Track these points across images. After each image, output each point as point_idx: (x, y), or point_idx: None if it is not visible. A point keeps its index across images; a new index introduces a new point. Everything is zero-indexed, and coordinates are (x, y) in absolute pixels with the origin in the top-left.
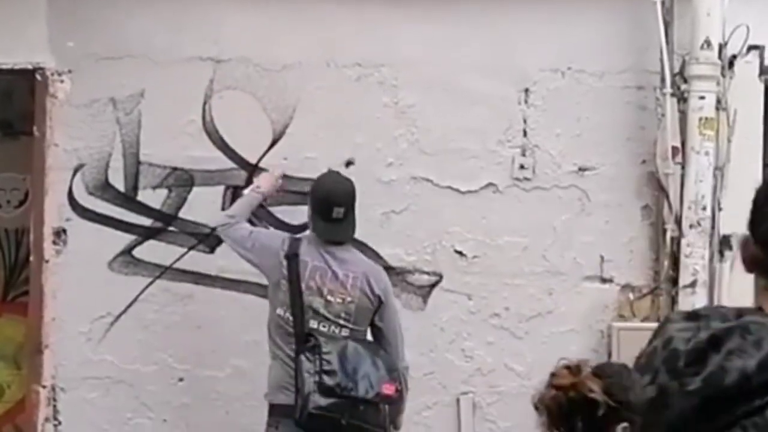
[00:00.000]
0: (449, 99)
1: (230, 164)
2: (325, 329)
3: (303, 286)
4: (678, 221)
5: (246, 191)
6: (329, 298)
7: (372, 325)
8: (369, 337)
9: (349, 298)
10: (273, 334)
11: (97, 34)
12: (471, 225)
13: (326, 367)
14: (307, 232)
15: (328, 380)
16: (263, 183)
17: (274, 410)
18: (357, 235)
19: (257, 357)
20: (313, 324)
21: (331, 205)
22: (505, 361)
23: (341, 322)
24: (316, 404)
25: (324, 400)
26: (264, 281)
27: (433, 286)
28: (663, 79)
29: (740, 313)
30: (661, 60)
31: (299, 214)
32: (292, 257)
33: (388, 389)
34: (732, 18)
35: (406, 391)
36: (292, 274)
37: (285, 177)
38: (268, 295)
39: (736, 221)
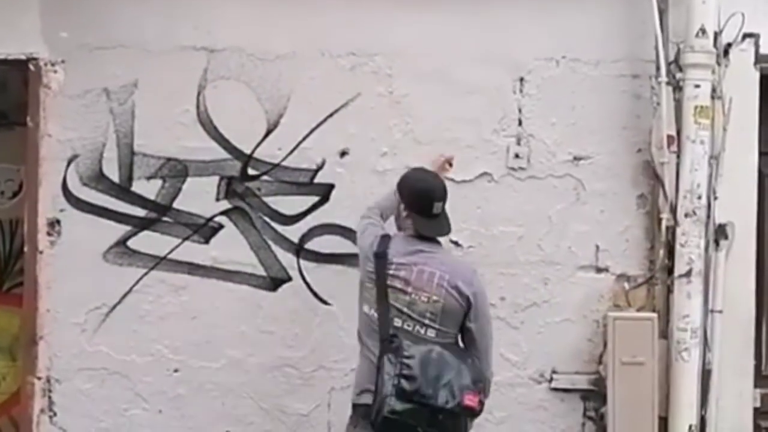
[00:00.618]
0: (444, 88)
1: (224, 154)
2: (409, 328)
3: (388, 284)
4: (673, 210)
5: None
6: (414, 296)
7: (462, 328)
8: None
9: (435, 297)
10: (362, 333)
11: (90, 24)
12: (466, 214)
13: (406, 372)
14: (395, 231)
15: (407, 385)
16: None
17: (357, 410)
18: (350, 224)
19: (252, 348)
20: (397, 323)
21: (432, 201)
22: (501, 350)
23: (426, 321)
24: (392, 408)
25: (400, 405)
26: (258, 272)
27: None
28: (658, 68)
29: None
30: (656, 48)
31: (294, 204)
32: (380, 255)
33: (471, 400)
34: (727, 6)
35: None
36: (378, 272)
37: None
38: (358, 294)
39: (731, 210)
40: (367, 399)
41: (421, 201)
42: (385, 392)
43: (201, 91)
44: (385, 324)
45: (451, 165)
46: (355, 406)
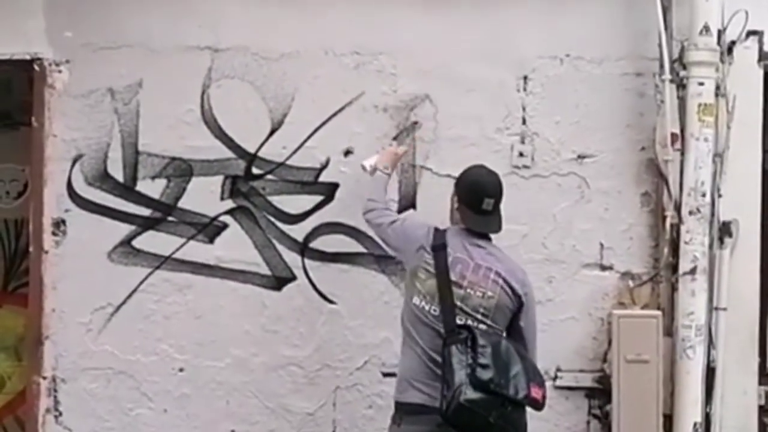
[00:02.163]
0: (448, 87)
1: (229, 153)
2: (461, 322)
3: (449, 276)
4: (677, 208)
5: (373, 175)
6: (469, 290)
7: (510, 326)
8: None
9: (489, 293)
10: (408, 325)
11: (94, 24)
12: None
13: (481, 360)
14: (449, 225)
15: (483, 374)
16: (386, 160)
17: (401, 408)
18: (355, 223)
19: (257, 347)
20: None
21: (482, 196)
22: None
23: (479, 316)
24: (468, 397)
25: (475, 394)
26: (262, 271)
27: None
28: (662, 66)
29: None
30: (660, 46)
31: (298, 203)
32: (440, 248)
33: (537, 393)
34: (731, 3)
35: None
36: (438, 265)
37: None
38: (405, 284)
39: (735, 208)
40: (414, 396)
41: (472, 195)
42: (458, 381)
43: (205, 90)
44: (447, 317)
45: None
46: (398, 404)
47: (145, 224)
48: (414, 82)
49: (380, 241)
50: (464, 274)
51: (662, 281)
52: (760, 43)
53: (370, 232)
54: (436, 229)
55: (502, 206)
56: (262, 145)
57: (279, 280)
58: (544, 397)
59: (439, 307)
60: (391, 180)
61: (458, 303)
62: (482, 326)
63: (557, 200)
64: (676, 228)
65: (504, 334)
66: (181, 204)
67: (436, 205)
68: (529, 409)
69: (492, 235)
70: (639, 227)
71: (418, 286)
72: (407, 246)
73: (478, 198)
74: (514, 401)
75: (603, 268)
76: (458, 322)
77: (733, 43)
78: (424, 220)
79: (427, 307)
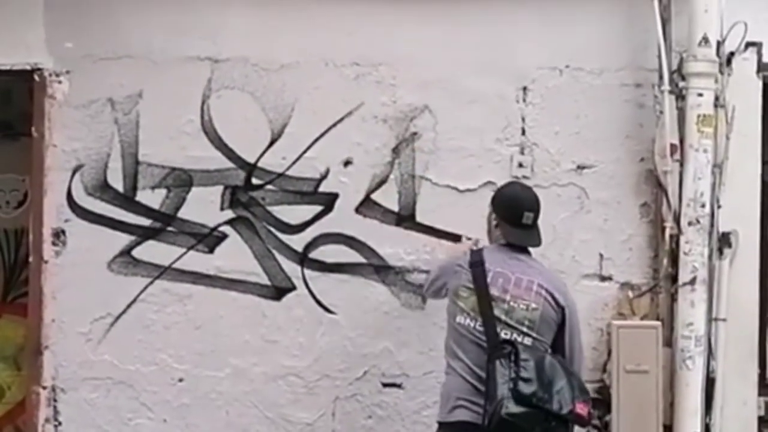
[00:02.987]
0: (447, 97)
1: (229, 164)
2: (507, 336)
3: (488, 291)
4: (677, 219)
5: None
6: (512, 304)
7: (555, 341)
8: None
9: (533, 305)
10: (453, 345)
11: (95, 34)
12: (470, 223)
13: (523, 374)
14: (487, 244)
15: (525, 388)
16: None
17: (448, 427)
18: (354, 233)
19: (256, 357)
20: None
21: (522, 210)
22: None
23: (524, 329)
24: (509, 410)
25: (517, 408)
26: (262, 281)
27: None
28: (661, 77)
29: None
30: (659, 57)
31: (298, 213)
32: (477, 265)
33: (582, 409)
34: (730, 15)
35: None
36: (478, 281)
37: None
38: (447, 307)
39: (734, 218)
40: (460, 414)
41: (511, 210)
42: (500, 395)
43: (205, 100)
44: (493, 334)
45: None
46: (443, 424)
47: (145, 234)
48: (413, 93)
49: (434, 294)
50: (506, 287)
51: (662, 292)
52: (759, 54)
53: (370, 242)
54: (473, 250)
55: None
56: (261, 155)
57: (279, 290)
58: (590, 414)
59: (481, 321)
60: None
61: (503, 317)
62: (528, 339)
63: (557, 211)
64: (675, 239)
65: (549, 349)
66: (180, 214)
67: (436, 216)
68: None
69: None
70: (638, 238)
71: (460, 304)
72: (447, 272)
73: (517, 213)
74: (558, 416)
75: (602, 278)
76: (503, 336)
77: (732, 54)
78: (456, 254)
79: (471, 324)
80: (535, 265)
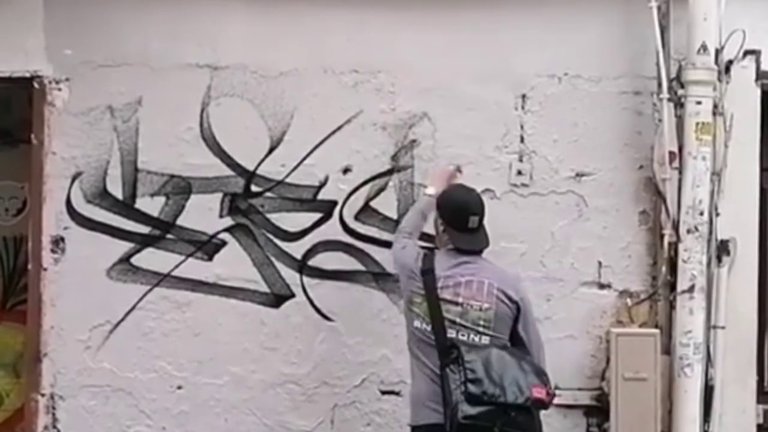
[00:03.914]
0: (446, 105)
1: (228, 171)
2: (464, 338)
3: (439, 296)
4: (675, 226)
5: (429, 193)
6: (466, 306)
7: (512, 334)
8: None
9: (486, 305)
10: (414, 349)
11: (94, 42)
12: None
13: (470, 376)
14: (434, 254)
15: (474, 389)
16: (436, 181)
17: (417, 430)
18: (353, 241)
19: (255, 364)
20: (451, 334)
21: (467, 215)
22: None
23: (480, 329)
24: (465, 413)
25: (472, 409)
26: (261, 288)
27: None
28: (660, 85)
29: None
30: (658, 65)
31: (297, 220)
32: (427, 272)
33: (539, 392)
34: (728, 23)
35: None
36: (428, 287)
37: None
38: (404, 311)
39: (733, 226)
40: (428, 416)
41: (457, 215)
42: (455, 400)
43: (204, 108)
44: (440, 337)
45: (460, 172)
46: (414, 428)
47: (144, 242)
48: (412, 100)
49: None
50: (458, 291)
51: (660, 299)
52: (758, 62)
53: (369, 250)
54: (425, 254)
55: (505, 225)
56: (260, 162)
57: (277, 298)
58: (549, 394)
59: (431, 327)
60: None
61: (457, 319)
62: (485, 338)
63: (555, 218)
64: (674, 246)
65: (508, 344)
66: (179, 221)
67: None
68: None
69: (496, 251)
70: (637, 245)
71: (415, 310)
72: (402, 273)
73: (463, 218)
74: (517, 406)
75: (601, 286)
76: (459, 337)
77: (730, 62)
78: (416, 249)
79: (428, 328)
80: (485, 266)
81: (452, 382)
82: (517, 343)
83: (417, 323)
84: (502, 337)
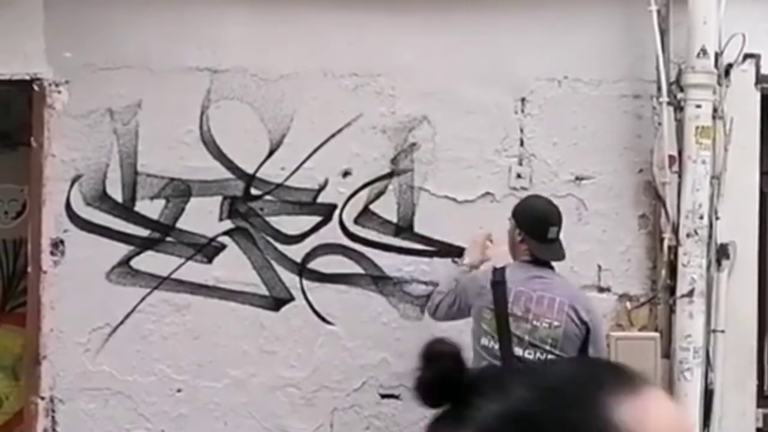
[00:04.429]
0: (446, 108)
1: (228, 174)
2: (530, 356)
3: (509, 311)
4: (675, 230)
5: (463, 264)
6: (535, 323)
7: (580, 354)
8: None
9: (556, 323)
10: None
11: (94, 44)
12: (468, 235)
13: None
14: (510, 261)
15: None
16: (472, 252)
17: None
18: (353, 244)
19: (254, 368)
20: (518, 351)
21: (548, 225)
22: None
23: (547, 347)
24: None
25: None
26: (261, 291)
27: (430, 296)
28: (659, 88)
29: None
30: (657, 69)
31: (296, 224)
32: (498, 284)
33: None
34: (728, 26)
35: None
36: (498, 300)
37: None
38: (471, 330)
39: (733, 230)
40: None
41: (537, 224)
42: None
43: (204, 111)
44: (506, 353)
45: (491, 241)
46: None
47: (144, 244)
48: (412, 103)
49: (454, 314)
50: (529, 306)
51: (660, 303)
52: (758, 65)
53: (369, 253)
54: (495, 269)
55: (505, 228)
56: (260, 165)
57: (277, 301)
58: None
59: (498, 342)
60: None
61: (525, 336)
62: (551, 357)
63: None
64: (673, 250)
65: None
66: (179, 224)
67: (434, 227)
68: None
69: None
70: (637, 249)
71: (484, 326)
72: (471, 293)
73: (543, 227)
74: None
75: (600, 289)
76: (525, 355)
77: (730, 65)
78: (477, 273)
79: (496, 346)
80: (558, 281)
81: None
82: None
83: (484, 341)
84: (568, 356)
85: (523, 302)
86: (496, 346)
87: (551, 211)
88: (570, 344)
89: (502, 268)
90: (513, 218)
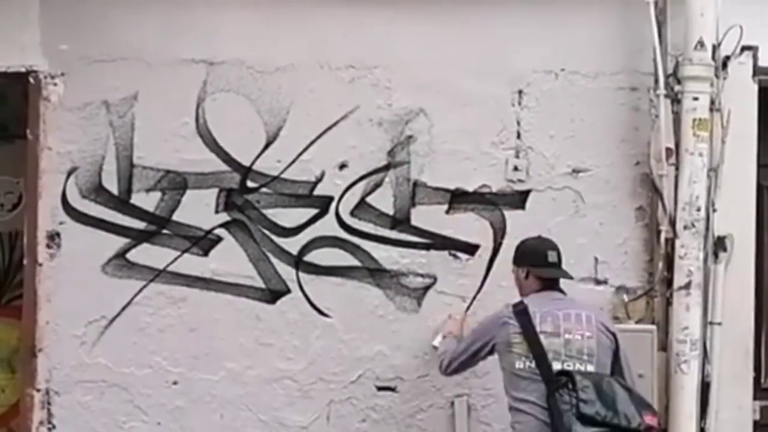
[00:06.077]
0: (442, 101)
1: (224, 167)
2: (570, 368)
3: (538, 330)
4: (672, 222)
5: (441, 341)
6: (567, 336)
7: (612, 367)
8: None
9: (588, 334)
10: (516, 393)
11: (90, 37)
12: (464, 227)
13: (583, 396)
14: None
15: (587, 409)
16: (452, 328)
17: None
18: (349, 236)
19: (251, 360)
20: (556, 366)
21: (544, 250)
22: None
23: (585, 358)
24: None
25: (586, 430)
26: (257, 284)
27: (427, 288)
28: (656, 81)
29: None
30: (655, 61)
31: (293, 216)
32: (522, 313)
33: (651, 420)
34: (725, 18)
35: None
36: (524, 325)
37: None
38: (501, 360)
39: (730, 222)
40: None
41: (535, 253)
42: (566, 422)
43: (200, 103)
44: (545, 368)
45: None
46: None
47: (140, 237)
48: (409, 96)
49: (469, 358)
50: (557, 323)
51: (657, 296)
52: (755, 58)
53: (365, 246)
54: (512, 304)
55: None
56: (256, 158)
57: (273, 294)
58: (660, 424)
59: (533, 360)
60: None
61: (562, 351)
62: (590, 367)
63: (552, 214)
64: (670, 242)
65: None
66: (175, 217)
67: (430, 219)
68: None
69: None
70: (634, 242)
71: (516, 351)
72: (491, 329)
73: (541, 253)
74: (628, 430)
75: (598, 282)
76: (565, 368)
77: (727, 58)
78: (490, 316)
79: (531, 365)
80: (576, 301)
81: (563, 404)
82: (618, 374)
83: (519, 364)
84: (605, 366)
85: (551, 320)
86: (532, 365)
87: (544, 240)
88: (604, 354)
89: (520, 301)
90: (513, 264)
